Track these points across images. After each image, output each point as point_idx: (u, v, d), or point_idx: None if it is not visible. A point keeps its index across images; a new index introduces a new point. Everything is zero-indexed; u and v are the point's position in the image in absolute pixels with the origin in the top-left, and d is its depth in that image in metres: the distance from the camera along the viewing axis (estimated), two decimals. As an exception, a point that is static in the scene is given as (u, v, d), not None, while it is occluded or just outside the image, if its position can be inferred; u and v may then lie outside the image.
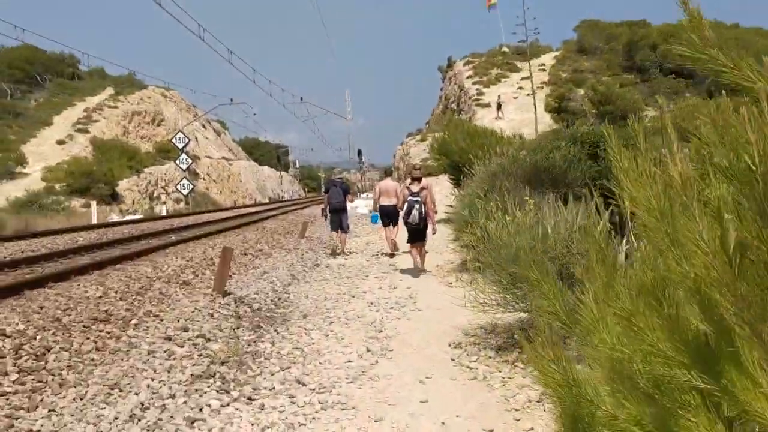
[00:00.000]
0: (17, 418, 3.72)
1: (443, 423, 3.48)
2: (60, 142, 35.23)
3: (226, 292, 7.34)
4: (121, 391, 4.19)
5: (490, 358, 4.64)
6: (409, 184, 9.08)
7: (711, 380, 0.88)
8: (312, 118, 49.33)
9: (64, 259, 10.33)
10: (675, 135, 1.02)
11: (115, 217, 24.63)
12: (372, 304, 6.91)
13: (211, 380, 4.37)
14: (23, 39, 45.25)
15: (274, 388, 4.21)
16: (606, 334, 1.03)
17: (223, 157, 57.62)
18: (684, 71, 40.95)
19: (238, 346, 5.24)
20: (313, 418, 3.64)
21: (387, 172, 13.02)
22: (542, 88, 41.43)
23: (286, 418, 3.65)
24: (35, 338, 5.11)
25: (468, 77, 50.69)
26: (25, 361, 4.64)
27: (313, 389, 4.14)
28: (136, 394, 4.09)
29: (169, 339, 5.36)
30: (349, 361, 4.76)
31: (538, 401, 3.69)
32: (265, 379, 4.44)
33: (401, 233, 10.03)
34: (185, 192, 30.20)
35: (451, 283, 7.97)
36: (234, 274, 8.97)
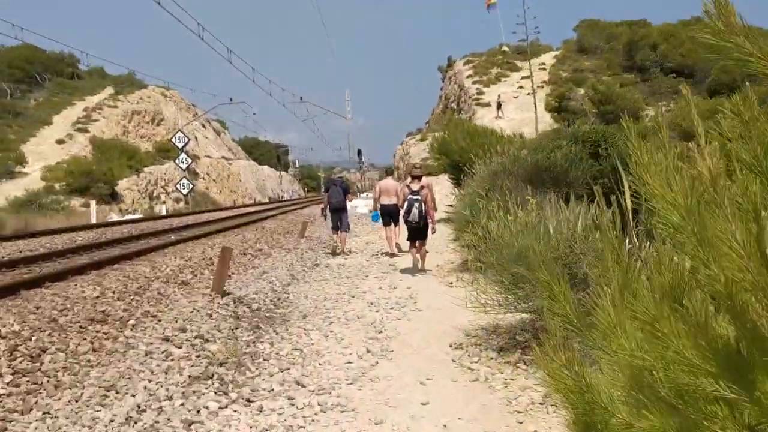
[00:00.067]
0: (11, 421, 3.66)
1: (445, 426, 3.41)
2: (59, 142, 35.20)
3: (225, 292, 7.28)
4: (117, 392, 4.13)
5: (491, 359, 4.57)
6: (410, 182, 9.05)
7: (741, 390, 0.82)
8: (312, 118, 49.32)
9: (63, 258, 10.27)
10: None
11: (114, 217, 24.56)
12: (372, 304, 6.85)
13: (209, 382, 4.31)
14: (23, 38, 45.32)
15: (273, 389, 4.14)
16: (624, 339, 0.96)
17: (223, 157, 57.55)
18: (684, 71, 40.93)
19: (236, 346, 5.18)
20: (313, 421, 3.58)
21: (388, 171, 12.98)
22: (542, 87, 41.41)
23: (285, 420, 3.59)
24: (31, 339, 5.04)
25: (468, 77, 50.66)
26: (20, 362, 4.57)
27: (313, 391, 4.08)
28: (133, 396, 4.02)
29: (166, 340, 5.29)
30: (349, 362, 4.69)
31: (541, 403, 3.62)
32: (263, 380, 4.37)
33: (403, 234, 9.97)
34: (185, 191, 30.16)
35: (451, 283, 7.91)
36: (233, 274, 8.91)
